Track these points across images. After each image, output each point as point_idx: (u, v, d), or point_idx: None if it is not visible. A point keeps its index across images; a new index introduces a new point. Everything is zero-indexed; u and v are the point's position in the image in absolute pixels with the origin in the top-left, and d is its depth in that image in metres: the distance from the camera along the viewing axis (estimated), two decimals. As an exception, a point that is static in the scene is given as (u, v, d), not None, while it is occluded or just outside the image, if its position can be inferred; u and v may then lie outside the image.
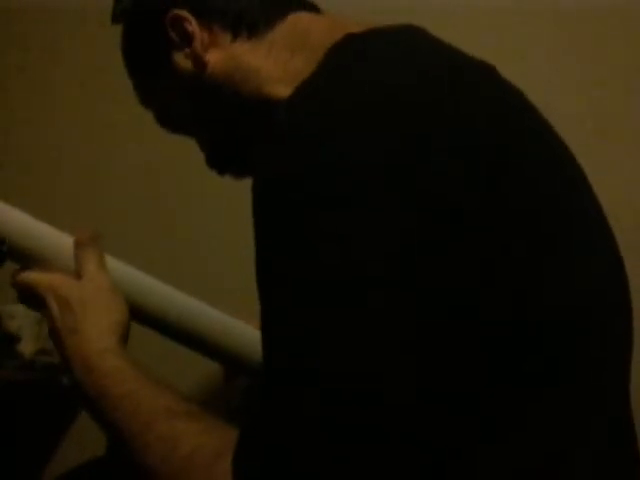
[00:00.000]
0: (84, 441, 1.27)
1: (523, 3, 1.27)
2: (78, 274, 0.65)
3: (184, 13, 0.72)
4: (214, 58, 0.71)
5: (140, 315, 0.69)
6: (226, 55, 0.71)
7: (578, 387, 0.48)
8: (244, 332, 0.73)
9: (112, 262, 0.70)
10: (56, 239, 0.69)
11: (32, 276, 0.65)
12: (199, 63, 0.72)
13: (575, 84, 1.23)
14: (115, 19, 0.79)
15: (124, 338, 0.64)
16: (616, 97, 1.21)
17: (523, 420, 0.45)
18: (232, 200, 0.97)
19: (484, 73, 0.57)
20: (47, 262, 0.66)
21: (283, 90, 0.60)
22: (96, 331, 0.62)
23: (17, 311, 1.21)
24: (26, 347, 1.22)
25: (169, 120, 0.80)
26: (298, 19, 0.70)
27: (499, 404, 0.44)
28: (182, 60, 0.73)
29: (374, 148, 0.45)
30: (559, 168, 0.56)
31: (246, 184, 0.55)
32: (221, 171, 0.79)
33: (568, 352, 0.47)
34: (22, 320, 1.21)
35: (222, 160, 0.78)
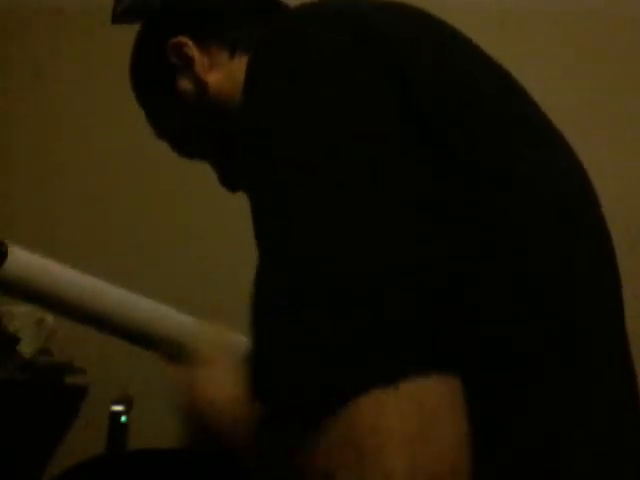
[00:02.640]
0: (84, 441, 1.27)
1: (523, 3, 1.27)
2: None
3: (183, 39, 0.75)
4: (214, 79, 0.74)
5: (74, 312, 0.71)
6: (226, 74, 0.74)
7: (577, 371, 0.48)
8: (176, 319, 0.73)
9: (42, 262, 0.71)
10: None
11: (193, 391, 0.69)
12: (201, 85, 0.75)
13: (574, 83, 1.23)
14: (115, 19, 0.80)
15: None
16: (616, 96, 1.21)
17: (524, 403, 0.45)
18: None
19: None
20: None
21: None
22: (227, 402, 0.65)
23: (17, 311, 1.21)
24: (26, 347, 1.22)
25: (181, 146, 0.83)
26: None
27: (498, 388, 0.44)
28: (185, 84, 0.76)
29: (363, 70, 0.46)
30: (548, 145, 0.56)
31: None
32: (233, 189, 0.81)
33: (566, 336, 0.48)
34: (22, 320, 1.21)
35: (233, 178, 0.79)
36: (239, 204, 0.53)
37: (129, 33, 0.83)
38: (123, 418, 1.10)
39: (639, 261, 1.10)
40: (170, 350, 0.71)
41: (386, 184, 0.43)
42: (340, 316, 0.39)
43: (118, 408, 1.11)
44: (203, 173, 0.85)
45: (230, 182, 0.81)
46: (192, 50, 0.75)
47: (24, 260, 0.69)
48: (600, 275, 0.55)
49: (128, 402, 1.12)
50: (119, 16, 0.80)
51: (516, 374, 0.45)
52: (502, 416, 0.44)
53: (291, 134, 0.44)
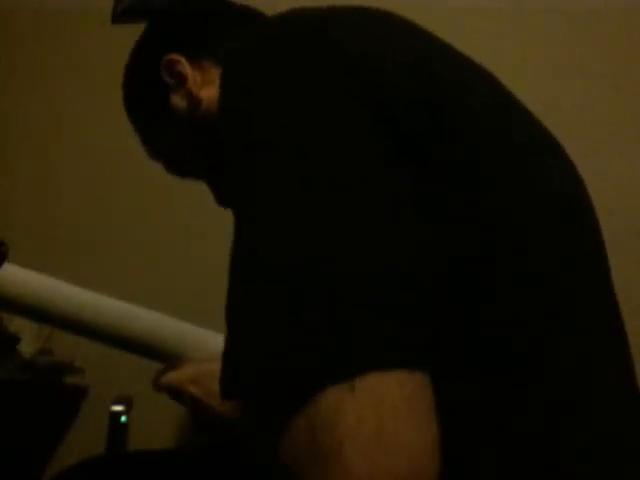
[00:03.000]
0: (84, 441, 1.27)
1: (523, 3, 1.27)
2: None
3: (176, 56, 0.76)
4: (207, 94, 0.75)
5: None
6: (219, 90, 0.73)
7: (577, 371, 0.48)
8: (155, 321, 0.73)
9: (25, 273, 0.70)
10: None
11: (170, 377, 0.70)
12: (193, 101, 0.75)
13: (574, 83, 1.23)
14: (115, 19, 0.80)
15: None
16: (616, 96, 1.21)
17: (523, 403, 0.45)
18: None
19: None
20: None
21: None
22: None
23: (17, 311, 1.21)
24: (26, 347, 1.22)
25: (175, 164, 0.83)
26: None
27: (497, 388, 0.45)
28: (178, 101, 0.77)
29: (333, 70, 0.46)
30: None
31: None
32: (229, 206, 0.81)
33: (567, 336, 0.48)
34: (22, 320, 1.21)
35: (228, 195, 0.80)
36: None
37: (129, 34, 0.83)
38: (123, 418, 1.10)
39: (639, 262, 1.11)
40: (166, 358, 0.71)
41: (383, 184, 0.43)
42: (306, 316, 0.38)
43: (118, 408, 1.11)
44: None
45: (226, 200, 0.81)
46: (185, 67, 0.76)
47: (13, 274, 0.69)
48: (599, 275, 0.56)
49: (128, 402, 1.12)
50: (119, 16, 0.80)
51: (516, 374, 0.45)
52: (502, 416, 0.44)
53: (281, 139, 0.44)
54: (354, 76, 0.46)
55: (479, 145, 0.48)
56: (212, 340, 0.72)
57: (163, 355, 0.71)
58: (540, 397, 0.45)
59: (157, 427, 1.24)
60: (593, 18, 1.24)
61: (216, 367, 0.67)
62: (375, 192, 0.42)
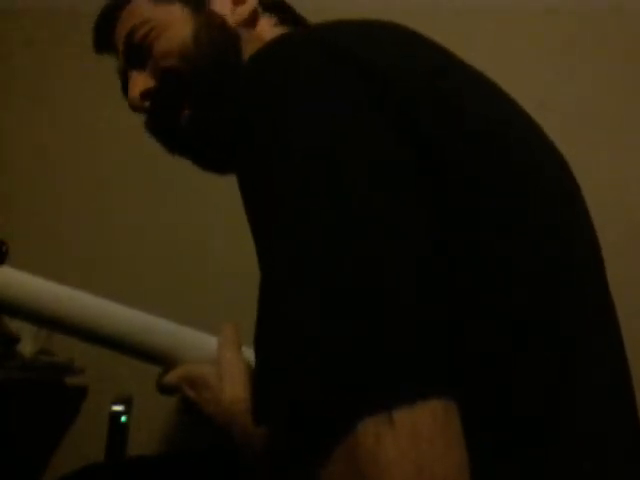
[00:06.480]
0: (84, 441, 1.27)
1: (523, 3, 1.27)
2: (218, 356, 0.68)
3: None
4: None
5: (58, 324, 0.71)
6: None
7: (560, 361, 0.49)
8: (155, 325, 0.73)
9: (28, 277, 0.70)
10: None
11: (168, 377, 0.70)
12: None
13: (574, 84, 1.23)
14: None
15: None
16: (615, 96, 1.21)
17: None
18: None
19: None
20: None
21: None
22: (230, 397, 0.64)
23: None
24: (26, 347, 1.23)
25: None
26: None
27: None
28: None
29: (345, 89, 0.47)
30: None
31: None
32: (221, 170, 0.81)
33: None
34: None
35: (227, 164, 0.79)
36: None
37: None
38: (123, 418, 1.10)
39: (638, 263, 1.11)
40: (164, 362, 0.71)
41: (403, 202, 0.44)
42: (343, 349, 0.40)
43: (118, 408, 1.11)
44: (209, 176, 0.85)
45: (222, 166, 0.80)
46: None
47: (9, 277, 0.69)
48: (594, 267, 0.57)
49: (128, 402, 1.13)
50: None
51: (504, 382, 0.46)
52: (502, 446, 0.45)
53: (297, 150, 0.45)
54: (377, 90, 0.47)
55: (490, 148, 0.50)
56: (206, 342, 0.72)
57: (158, 358, 0.72)
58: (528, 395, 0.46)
59: (157, 427, 1.24)
60: (594, 18, 1.24)
61: (208, 372, 0.67)
62: (400, 218, 0.43)
